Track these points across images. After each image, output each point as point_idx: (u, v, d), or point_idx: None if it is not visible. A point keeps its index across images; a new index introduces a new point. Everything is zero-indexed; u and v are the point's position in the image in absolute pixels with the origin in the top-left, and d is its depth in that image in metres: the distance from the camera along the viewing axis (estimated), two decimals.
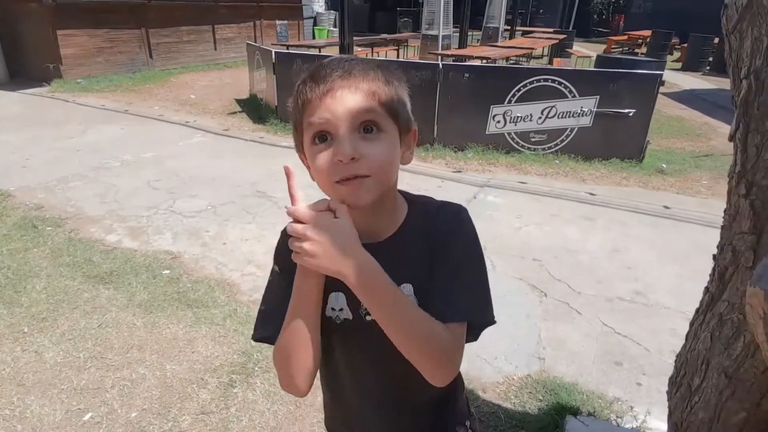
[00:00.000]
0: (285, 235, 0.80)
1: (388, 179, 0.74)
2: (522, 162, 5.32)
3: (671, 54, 15.59)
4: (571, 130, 5.37)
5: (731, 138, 0.90)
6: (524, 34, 16.19)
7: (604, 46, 16.89)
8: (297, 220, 0.69)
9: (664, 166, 5.23)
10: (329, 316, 0.81)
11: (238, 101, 8.15)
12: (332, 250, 0.67)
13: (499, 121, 5.51)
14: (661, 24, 16.66)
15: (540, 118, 5.38)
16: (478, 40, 14.63)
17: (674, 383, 1.15)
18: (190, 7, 11.39)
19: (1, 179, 4.50)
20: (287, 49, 9.07)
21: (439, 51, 9.81)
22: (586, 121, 5.28)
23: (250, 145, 5.94)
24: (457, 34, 11.80)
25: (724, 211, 0.98)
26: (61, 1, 8.68)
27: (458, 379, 0.96)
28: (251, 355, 2.37)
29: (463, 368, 1.01)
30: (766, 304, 0.70)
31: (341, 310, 0.81)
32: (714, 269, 1.01)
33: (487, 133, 5.58)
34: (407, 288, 0.78)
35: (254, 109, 7.46)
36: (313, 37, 16.95)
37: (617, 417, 2.05)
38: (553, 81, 5.22)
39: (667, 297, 2.93)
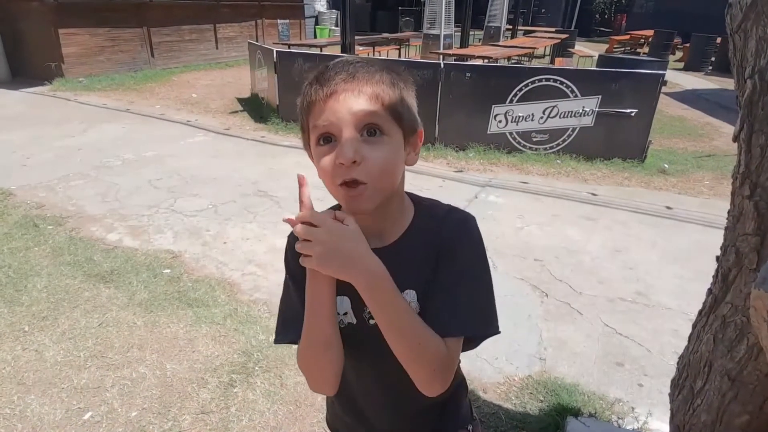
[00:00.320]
0: (292, 242, 0.81)
1: (389, 185, 0.73)
2: (523, 162, 5.31)
3: (673, 54, 15.56)
4: (573, 130, 5.35)
5: (735, 138, 0.89)
6: (526, 33, 16.18)
7: (606, 46, 16.86)
8: (307, 224, 0.69)
9: (666, 166, 5.21)
10: None
11: (240, 100, 8.15)
12: (342, 253, 0.68)
13: (500, 121, 5.50)
14: (663, 23, 16.64)
15: (542, 117, 5.37)
16: (479, 39, 14.61)
17: (677, 385, 1.14)
18: (192, 6, 11.39)
19: (3, 178, 4.51)
20: (289, 48, 9.07)
21: (441, 50, 9.79)
22: (587, 120, 5.27)
23: (252, 144, 5.94)
24: (459, 33, 11.78)
25: (728, 212, 0.97)
26: (62, 0, 8.68)
27: (461, 383, 0.97)
28: (251, 354, 2.36)
29: (464, 369, 1.01)
30: None
31: (345, 314, 0.81)
32: (717, 271, 1.00)
33: (488, 132, 5.57)
34: (410, 294, 0.78)
35: (256, 108, 7.46)
36: (315, 37, 16.94)
37: (618, 418, 2.05)
38: (555, 81, 5.21)
39: (669, 298, 2.92)
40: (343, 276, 0.69)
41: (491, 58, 8.99)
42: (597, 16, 25.20)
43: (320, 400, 2.11)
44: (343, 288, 0.76)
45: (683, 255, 3.43)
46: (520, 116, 5.42)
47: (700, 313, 1.08)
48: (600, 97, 5.15)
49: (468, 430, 0.97)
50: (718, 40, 13.32)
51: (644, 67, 5.91)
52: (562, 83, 5.19)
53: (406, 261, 0.77)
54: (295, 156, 5.46)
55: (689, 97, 9.46)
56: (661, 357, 2.41)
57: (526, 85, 5.29)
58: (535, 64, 11.74)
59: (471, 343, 0.79)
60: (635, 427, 2.00)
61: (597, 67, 8.39)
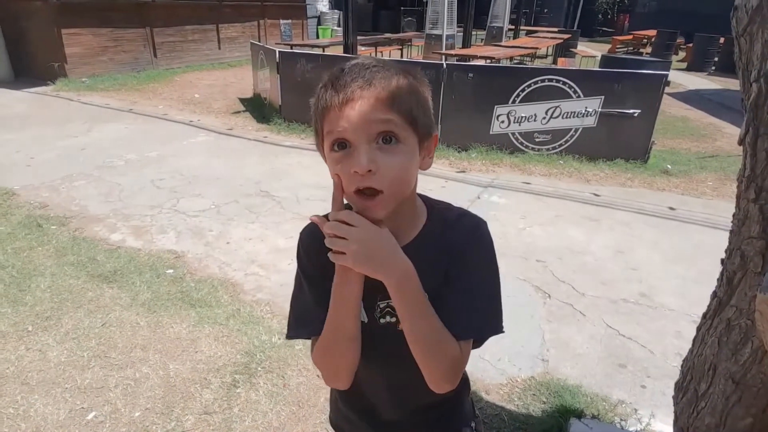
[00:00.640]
0: (306, 240, 0.84)
1: (403, 191, 0.74)
2: (526, 162, 5.30)
3: (676, 54, 15.52)
4: (576, 131, 5.35)
5: (741, 142, 0.89)
6: (528, 33, 16.15)
7: (608, 46, 16.82)
8: (343, 223, 0.70)
9: (669, 166, 5.20)
10: None
11: (242, 100, 8.16)
12: (378, 252, 0.70)
13: (503, 121, 5.50)
14: (666, 24, 16.58)
15: (544, 118, 5.36)
16: (482, 39, 14.59)
17: (681, 388, 1.14)
18: (195, 7, 11.41)
19: (6, 178, 4.52)
20: (291, 48, 9.08)
21: (443, 51, 9.79)
22: (590, 121, 5.26)
23: (254, 144, 5.95)
24: (461, 33, 11.77)
25: (733, 215, 0.97)
26: (65, 0, 8.70)
27: (464, 381, 0.98)
28: (254, 355, 2.37)
29: (467, 369, 1.01)
30: None
31: None
32: (722, 274, 1.00)
33: (491, 133, 5.57)
34: None
35: (258, 108, 7.46)
36: (317, 37, 16.95)
37: (621, 420, 2.04)
38: (558, 81, 5.20)
39: (672, 299, 2.91)
40: (377, 274, 0.71)
41: (494, 58, 8.98)
42: (600, 16, 25.14)
43: (323, 401, 2.11)
44: None
45: (686, 256, 3.42)
46: (522, 117, 5.42)
47: (704, 316, 1.08)
48: (603, 97, 5.14)
49: (471, 427, 0.98)
50: (722, 40, 13.29)
51: (647, 68, 5.90)
52: (564, 84, 5.19)
53: (418, 264, 0.77)
54: (297, 156, 5.47)
55: (692, 98, 9.44)
56: (664, 359, 2.41)
57: (529, 86, 5.28)
58: (538, 64, 11.73)
59: (476, 342, 0.82)
60: (638, 429, 2.00)
61: (600, 67, 8.38)
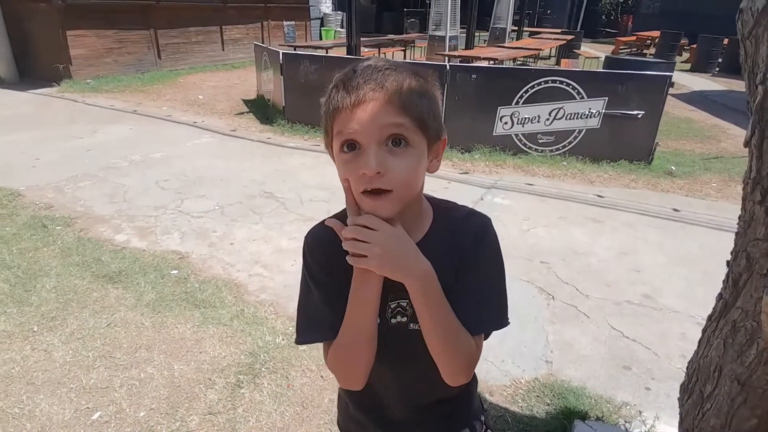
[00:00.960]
0: (313, 243, 0.84)
1: (411, 192, 0.75)
2: (529, 164, 5.30)
3: (680, 55, 15.48)
4: (579, 132, 5.34)
5: (746, 144, 0.89)
6: (531, 34, 16.14)
7: (612, 47, 16.79)
8: (364, 227, 0.72)
9: (673, 168, 5.19)
10: None
11: (246, 102, 8.18)
12: (400, 256, 0.72)
13: (506, 123, 5.50)
14: (670, 25, 16.56)
15: (548, 119, 5.36)
16: (485, 41, 14.60)
17: (686, 390, 1.14)
18: (198, 8, 11.46)
19: (11, 179, 4.55)
20: (294, 50, 9.10)
21: (446, 52, 9.80)
22: (594, 122, 5.25)
23: (258, 145, 5.96)
24: (464, 34, 11.78)
25: (739, 217, 0.97)
26: (70, 2, 8.75)
27: (473, 377, 0.98)
28: (258, 356, 2.37)
29: None
30: None
31: None
32: (728, 276, 1.00)
33: (494, 134, 5.57)
34: None
35: (261, 109, 7.49)
36: (320, 38, 16.99)
37: (626, 422, 2.04)
38: (561, 82, 5.20)
39: (676, 301, 2.91)
40: (399, 277, 0.73)
41: (497, 59, 8.98)
42: (603, 17, 25.11)
43: (327, 402, 2.12)
44: None
45: (691, 258, 3.41)
46: (525, 118, 5.42)
47: (710, 317, 1.08)
48: (606, 98, 5.13)
49: (481, 421, 1.00)
50: (725, 41, 13.24)
51: (651, 69, 5.89)
52: (568, 85, 5.19)
53: None
54: (301, 157, 5.48)
55: (696, 99, 9.42)
56: (668, 360, 2.40)
57: (532, 87, 5.28)
58: (541, 65, 11.72)
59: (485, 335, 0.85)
60: (642, 431, 2.00)
61: (603, 68, 8.37)
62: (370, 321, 0.78)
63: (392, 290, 0.79)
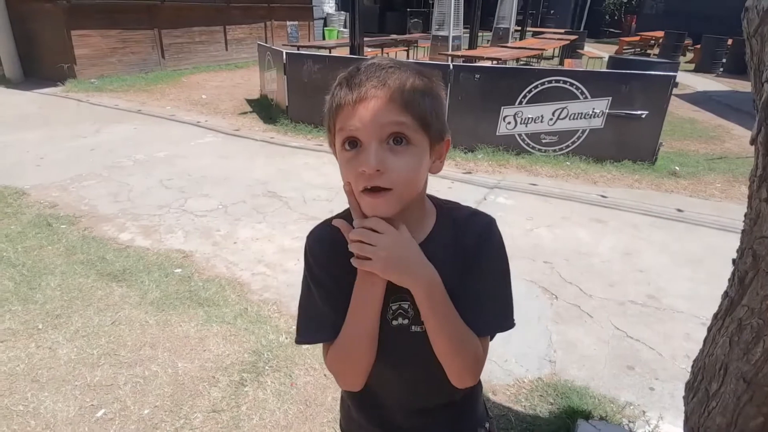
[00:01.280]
0: (315, 244, 0.84)
1: (411, 192, 0.74)
2: (532, 163, 5.29)
3: (684, 55, 15.43)
4: (583, 132, 5.33)
5: (753, 141, 0.89)
6: (535, 34, 16.12)
7: (615, 47, 16.77)
8: (371, 230, 0.72)
9: (677, 168, 5.18)
10: None
11: (249, 101, 8.20)
12: (405, 260, 0.72)
13: (509, 123, 5.49)
14: (674, 25, 16.50)
15: (551, 119, 5.35)
16: (488, 40, 14.59)
17: (691, 388, 1.14)
18: (202, 8, 11.49)
19: (16, 177, 4.57)
20: (298, 49, 9.11)
21: (450, 52, 9.79)
22: (597, 122, 5.24)
23: (261, 145, 5.98)
24: (468, 34, 11.77)
25: (745, 215, 0.96)
26: (75, 2, 8.79)
27: (478, 383, 0.97)
28: (261, 354, 2.38)
29: None
30: None
31: None
32: (733, 273, 1.00)
33: (497, 134, 5.57)
34: None
35: (265, 109, 7.50)
36: (323, 38, 17.01)
37: (629, 422, 2.04)
38: (565, 82, 5.19)
39: (680, 301, 2.90)
40: (404, 281, 0.73)
41: (500, 59, 8.97)
42: (606, 17, 25.05)
43: (330, 400, 2.12)
44: None
45: (695, 258, 3.40)
46: (529, 118, 5.41)
47: (715, 316, 1.08)
48: (610, 98, 5.12)
49: (486, 428, 0.98)
50: (730, 41, 13.20)
51: (655, 69, 5.88)
52: (571, 85, 5.18)
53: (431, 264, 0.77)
54: (304, 157, 5.49)
55: (700, 99, 9.38)
56: (672, 361, 2.40)
57: (536, 87, 5.27)
58: (544, 65, 11.70)
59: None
60: (646, 431, 1.99)
61: (607, 68, 8.35)
62: (371, 324, 0.78)
63: (393, 292, 0.78)
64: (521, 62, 10.76)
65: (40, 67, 9.46)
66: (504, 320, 0.82)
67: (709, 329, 1.09)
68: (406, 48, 13.05)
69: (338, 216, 0.84)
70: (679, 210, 4.23)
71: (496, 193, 4.52)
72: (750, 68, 0.93)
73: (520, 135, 5.52)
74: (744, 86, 10.65)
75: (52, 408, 2.05)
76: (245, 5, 12.54)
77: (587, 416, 2.02)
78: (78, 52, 9.13)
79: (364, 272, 0.75)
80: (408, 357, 0.83)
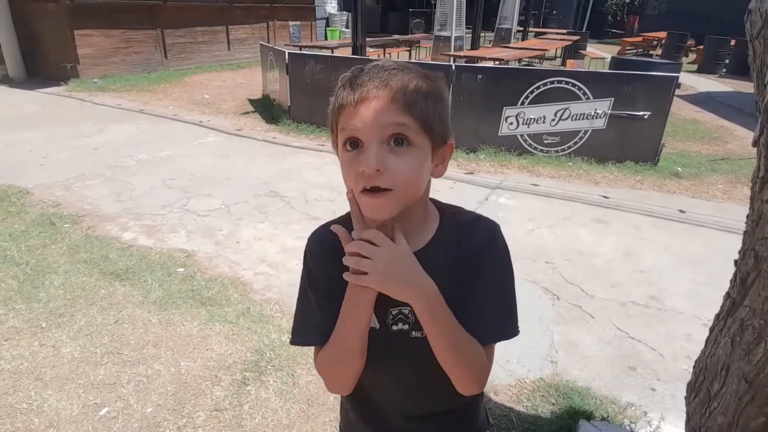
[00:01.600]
0: (315, 248, 0.84)
1: (412, 194, 0.74)
2: (534, 164, 5.30)
3: (687, 56, 15.41)
4: (585, 133, 5.33)
5: (755, 143, 0.89)
6: (537, 35, 16.11)
7: (618, 48, 16.74)
8: (368, 242, 0.72)
9: (679, 169, 5.17)
10: None
11: (251, 101, 8.21)
12: (403, 273, 0.72)
13: (511, 123, 5.49)
14: (676, 26, 16.48)
15: (553, 120, 5.35)
16: (490, 41, 14.59)
17: (693, 388, 1.14)
18: (205, 8, 11.51)
19: (20, 177, 4.59)
20: (300, 49, 9.12)
21: (452, 52, 9.80)
22: (600, 123, 5.24)
23: (263, 145, 5.99)
24: (470, 35, 11.77)
25: (747, 216, 0.97)
26: (78, 2, 8.81)
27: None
28: (264, 353, 2.39)
29: None
30: None
31: None
32: (735, 274, 1.00)
33: (499, 134, 5.57)
34: None
35: (267, 109, 7.51)
36: (326, 38, 17.02)
37: (631, 422, 2.04)
38: (567, 83, 5.19)
39: (682, 302, 2.90)
40: (402, 295, 0.72)
41: (502, 59, 8.97)
42: (609, 17, 25.00)
43: (332, 400, 2.13)
44: None
45: (697, 259, 3.40)
46: (531, 118, 5.41)
47: (717, 316, 1.08)
48: (612, 99, 5.12)
49: None
50: (732, 42, 13.18)
51: (657, 70, 5.87)
52: (574, 85, 5.18)
53: (433, 269, 0.77)
54: (306, 157, 5.49)
55: (703, 100, 9.37)
56: (674, 362, 2.40)
57: (538, 87, 5.27)
58: (546, 66, 11.70)
59: None
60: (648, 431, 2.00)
61: (609, 69, 8.34)
62: (359, 336, 0.77)
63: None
64: (523, 63, 10.76)
65: (44, 67, 9.48)
66: (508, 328, 0.81)
67: (711, 330, 1.10)
68: (408, 48, 13.06)
69: (340, 218, 0.84)
70: (681, 211, 4.22)
71: (497, 194, 4.52)
72: (752, 70, 0.93)
73: (522, 135, 5.52)
74: (747, 87, 10.63)
75: (55, 406, 2.06)
76: (248, 5, 12.57)
77: (589, 417, 2.02)
78: (81, 52, 9.16)
79: (354, 286, 0.74)
80: (408, 363, 0.82)
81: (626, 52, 15.65)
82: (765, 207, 0.88)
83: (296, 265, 3.20)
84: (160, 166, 5.04)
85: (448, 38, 10.32)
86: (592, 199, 4.44)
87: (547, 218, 4.02)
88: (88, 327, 2.54)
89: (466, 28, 11.15)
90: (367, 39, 8.67)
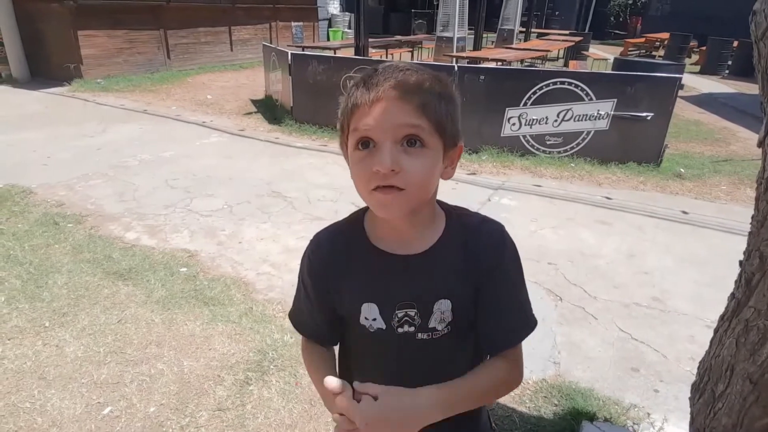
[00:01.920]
0: (308, 253, 0.86)
1: (423, 195, 0.74)
2: (537, 165, 5.29)
3: (689, 57, 15.38)
4: (588, 134, 5.32)
5: (760, 144, 0.89)
6: (539, 36, 16.10)
7: (620, 49, 16.72)
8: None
9: (682, 170, 5.16)
10: (363, 324, 0.82)
11: (254, 102, 8.22)
12: (399, 424, 0.72)
13: (514, 124, 5.49)
14: (679, 27, 16.46)
15: (556, 120, 5.35)
16: (492, 42, 14.58)
17: (697, 389, 1.14)
18: (208, 9, 11.54)
19: (23, 176, 4.60)
20: (303, 50, 9.13)
21: (454, 53, 9.80)
22: (602, 124, 5.24)
23: (266, 145, 5.99)
24: (472, 36, 11.77)
25: (752, 217, 0.97)
26: (81, 3, 8.84)
27: None
28: (267, 353, 2.39)
29: None
30: None
31: (374, 319, 0.81)
32: (740, 275, 1.00)
33: (502, 135, 5.56)
34: (445, 303, 0.79)
35: (269, 109, 7.52)
36: (328, 39, 17.04)
37: (634, 424, 2.03)
38: (570, 84, 5.19)
39: (685, 303, 2.89)
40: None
41: (505, 60, 8.97)
42: (612, 18, 24.97)
43: None
44: (371, 294, 0.79)
45: (700, 260, 3.39)
46: (533, 119, 5.41)
47: (722, 317, 1.08)
48: (615, 100, 5.11)
49: None
50: (735, 43, 13.15)
51: (660, 71, 5.86)
52: (576, 86, 5.17)
53: (440, 270, 0.77)
54: (308, 157, 5.50)
55: (706, 101, 9.35)
56: (677, 363, 2.39)
57: (540, 88, 5.27)
58: (549, 66, 11.69)
59: None
60: None
61: (612, 70, 8.33)
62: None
63: (400, 298, 0.77)
64: (526, 63, 10.75)
65: (47, 67, 9.52)
66: (528, 325, 0.85)
67: (716, 330, 1.09)
68: (411, 49, 13.06)
69: (341, 222, 0.85)
70: (684, 212, 4.22)
71: (500, 194, 4.52)
72: (757, 71, 0.93)
73: (524, 136, 5.52)
74: (749, 88, 10.60)
75: (58, 405, 2.06)
76: (250, 6, 12.59)
77: (592, 418, 2.02)
78: (84, 52, 9.19)
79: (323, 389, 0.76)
80: (412, 365, 0.82)
81: (629, 53, 15.63)
82: None
83: (298, 266, 3.19)
84: (163, 167, 5.05)
85: (450, 39, 10.32)
86: (595, 200, 4.43)
87: (550, 219, 4.01)
88: (91, 326, 2.55)
89: (469, 29, 11.15)
90: (370, 40, 8.68)
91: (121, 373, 2.24)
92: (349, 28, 17.48)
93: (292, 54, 6.58)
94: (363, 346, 0.87)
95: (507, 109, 5.44)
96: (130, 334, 2.51)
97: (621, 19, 24.93)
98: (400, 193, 0.69)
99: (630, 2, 24.27)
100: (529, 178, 4.99)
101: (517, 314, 0.83)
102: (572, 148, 5.42)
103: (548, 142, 5.47)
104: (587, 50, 14.24)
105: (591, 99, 5.17)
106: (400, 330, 0.80)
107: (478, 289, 0.80)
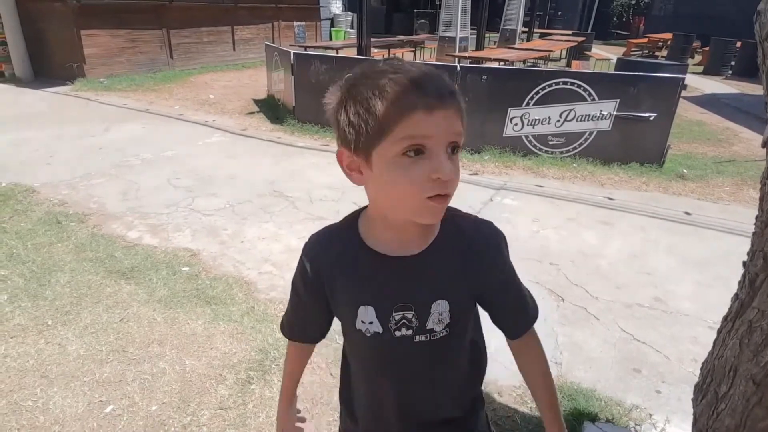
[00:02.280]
0: (311, 263, 0.85)
1: None
2: (539, 165, 5.29)
3: (692, 57, 15.35)
4: (590, 134, 5.32)
5: (764, 144, 0.89)
6: (542, 36, 16.08)
7: (623, 49, 16.69)
8: None
9: (684, 171, 5.15)
10: (359, 328, 0.81)
11: (256, 101, 8.23)
12: None
13: (516, 124, 5.49)
14: (682, 27, 16.42)
15: (558, 121, 5.34)
16: (495, 42, 14.57)
17: (700, 390, 1.14)
18: (210, 9, 11.56)
19: (26, 175, 4.61)
20: (305, 50, 9.14)
21: (457, 53, 9.79)
22: (605, 124, 5.23)
23: (268, 144, 6.00)
24: (475, 36, 11.76)
25: (756, 217, 0.96)
26: (84, 2, 8.87)
27: (479, 398, 0.96)
28: (268, 352, 2.39)
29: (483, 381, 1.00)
30: None
31: (371, 323, 0.80)
32: (744, 276, 1.00)
33: (504, 135, 5.56)
34: (443, 304, 0.78)
35: (272, 109, 7.53)
36: (330, 39, 17.05)
37: (636, 424, 2.03)
38: (572, 84, 5.18)
39: (687, 304, 2.89)
40: None
41: (507, 60, 8.96)
42: (614, 18, 24.93)
43: (335, 399, 2.11)
44: (367, 297, 0.78)
45: (702, 261, 3.38)
46: (536, 119, 5.40)
47: (725, 318, 1.08)
48: (618, 100, 5.11)
49: None
50: (738, 43, 13.12)
51: (663, 71, 5.85)
52: (579, 86, 5.16)
53: (437, 271, 0.77)
54: (310, 157, 5.50)
55: (709, 102, 9.33)
56: (679, 364, 2.39)
57: (543, 89, 5.26)
58: (552, 67, 11.67)
59: None
60: None
61: (615, 70, 8.32)
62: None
63: (397, 300, 0.77)
64: (528, 63, 10.74)
65: (50, 67, 9.54)
66: (534, 305, 0.93)
67: (719, 331, 1.09)
68: (413, 49, 13.07)
69: (335, 224, 0.85)
70: (687, 213, 4.21)
71: (502, 195, 4.52)
72: (762, 72, 0.93)
73: (527, 136, 5.51)
74: (752, 89, 10.58)
75: (61, 404, 2.07)
76: (253, 6, 12.61)
77: (593, 418, 2.01)
78: (87, 52, 9.21)
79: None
80: (409, 368, 0.82)
81: (632, 53, 15.60)
82: None
83: None
84: (165, 166, 5.06)
85: (452, 39, 10.32)
86: (597, 201, 4.42)
87: (552, 219, 4.01)
88: (93, 325, 2.55)
89: (471, 29, 11.15)
90: (372, 40, 8.67)
91: (123, 372, 2.25)
92: (352, 27, 17.49)
93: (294, 54, 6.59)
94: (361, 351, 0.86)
95: (509, 109, 5.43)
96: (132, 332, 2.51)
97: (624, 20, 24.89)
98: (446, 199, 0.70)
99: (633, 2, 24.24)
100: (532, 179, 4.99)
101: (525, 300, 0.90)
102: (575, 148, 5.41)
103: (551, 143, 5.46)
104: (590, 50, 14.22)
105: (594, 99, 5.16)
106: (397, 333, 0.79)
107: (478, 288, 0.81)
